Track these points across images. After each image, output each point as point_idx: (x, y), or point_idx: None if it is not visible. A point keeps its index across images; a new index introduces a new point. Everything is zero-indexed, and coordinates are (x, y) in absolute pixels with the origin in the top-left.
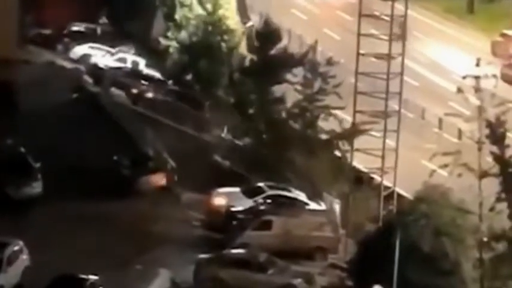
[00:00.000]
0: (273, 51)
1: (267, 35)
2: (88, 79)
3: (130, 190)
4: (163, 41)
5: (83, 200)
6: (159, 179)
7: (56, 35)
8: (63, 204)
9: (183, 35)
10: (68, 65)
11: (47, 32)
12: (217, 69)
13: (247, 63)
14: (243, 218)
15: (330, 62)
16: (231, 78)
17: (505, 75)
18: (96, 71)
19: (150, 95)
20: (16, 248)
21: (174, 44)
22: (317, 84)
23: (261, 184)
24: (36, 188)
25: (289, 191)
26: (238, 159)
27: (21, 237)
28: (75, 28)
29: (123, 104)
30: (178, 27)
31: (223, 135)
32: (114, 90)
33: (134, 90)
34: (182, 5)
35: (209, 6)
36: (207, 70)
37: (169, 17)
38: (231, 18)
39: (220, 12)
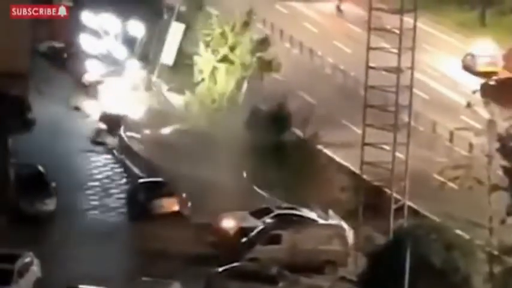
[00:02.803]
0: (282, 136)
1: (279, 120)
2: (102, 125)
3: (144, 213)
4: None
5: (96, 219)
6: (172, 204)
7: (68, 48)
8: (77, 222)
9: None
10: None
11: (60, 45)
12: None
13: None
14: (253, 235)
15: None
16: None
17: (465, 66)
18: (110, 118)
19: (164, 138)
20: (27, 259)
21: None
22: None
23: (267, 205)
24: (50, 205)
25: (297, 209)
26: None
27: (33, 250)
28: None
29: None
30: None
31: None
32: (128, 133)
33: (147, 133)
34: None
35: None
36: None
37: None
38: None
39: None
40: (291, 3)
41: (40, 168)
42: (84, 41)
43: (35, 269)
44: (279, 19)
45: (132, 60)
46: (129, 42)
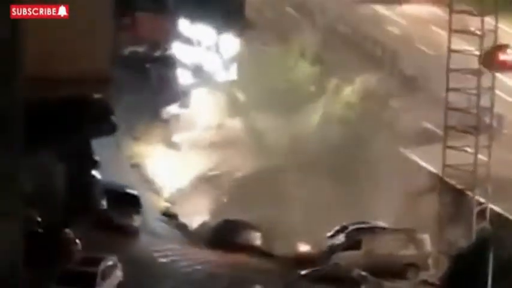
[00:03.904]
0: None
1: None
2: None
3: (226, 244)
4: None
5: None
6: (255, 238)
7: (149, 54)
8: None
9: None
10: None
11: (142, 49)
12: None
13: None
14: (334, 244)
15: None
16: None
17: None
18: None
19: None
20: (110, 263)
21: None
22: None
23: (344, 223)
24: (136, 221)
25: (373, 223)
26: None
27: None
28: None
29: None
30: None
31: None
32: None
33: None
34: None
35: None
36: None
37: None
38: None
39: None
40: (374, 6)
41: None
42: (175, 48)
43: (118, 273)
44: (361, 22)
45: (222, 74)
46: (221, 56)
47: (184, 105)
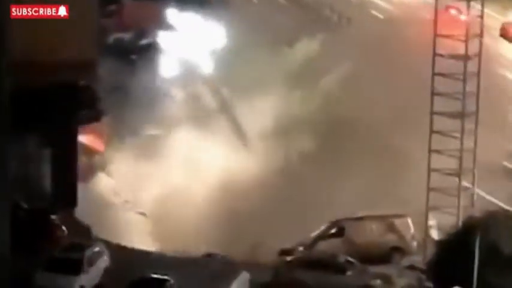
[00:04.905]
0: None
1: None
2: None
3: None
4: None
5: None
6: None
7: (134, 42)
8: None
9: None
10: None
11: (128, 36)
12: None
13: None
14: (318, 232)
15: None
16: None
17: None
18: None
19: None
20: (96, 249)
21: None
22: None
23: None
24: None
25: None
26: None
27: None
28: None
29: None
30: None
31: None
32: None
33: None
34: None
35: None
36: None
37: None
38: None
39: None
40: None
41: None
42: (161, 36)
43: (105, 259)
44: (346, 6)
45: (208, 64)
46: (205, 44)
47: (167, 108)
